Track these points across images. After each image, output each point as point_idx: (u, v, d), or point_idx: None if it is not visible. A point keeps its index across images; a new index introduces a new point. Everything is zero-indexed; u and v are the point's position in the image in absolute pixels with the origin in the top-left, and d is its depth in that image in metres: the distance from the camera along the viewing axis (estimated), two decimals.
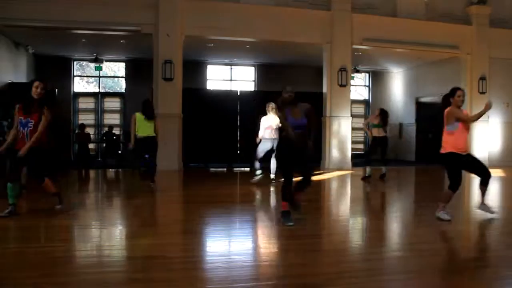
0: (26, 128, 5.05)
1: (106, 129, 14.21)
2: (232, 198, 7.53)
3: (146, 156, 7.70)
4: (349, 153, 12.48)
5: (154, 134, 7.52)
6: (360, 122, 17.24)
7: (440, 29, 12.92)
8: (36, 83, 5.10)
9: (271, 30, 11.72)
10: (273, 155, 8.21)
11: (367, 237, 4.86)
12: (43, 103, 5.13)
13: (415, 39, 12.56)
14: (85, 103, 15.39)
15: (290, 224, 4.74)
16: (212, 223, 5.40)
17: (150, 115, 7.47)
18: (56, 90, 13.46)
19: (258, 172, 8.55)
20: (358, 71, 16.28)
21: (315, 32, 12.17)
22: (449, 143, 5.19)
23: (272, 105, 8.06)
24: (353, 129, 13.23)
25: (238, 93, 13.57)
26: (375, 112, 9.68)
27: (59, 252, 3.79)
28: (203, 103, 12.51)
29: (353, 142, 13.33)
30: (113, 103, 15.60)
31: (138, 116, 7.46)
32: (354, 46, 12.46)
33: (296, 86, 16.50)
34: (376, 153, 9.42)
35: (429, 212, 5.69)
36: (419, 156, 15.66)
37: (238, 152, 13.16)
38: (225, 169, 12.34)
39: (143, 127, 7.46)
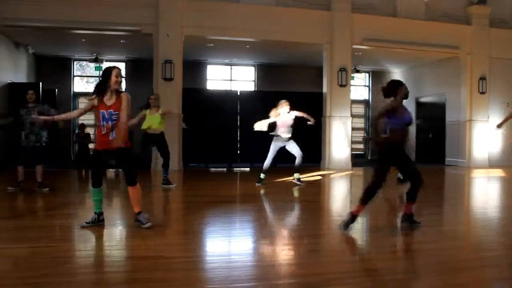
0: (110, 122, 4.55)
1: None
2: (232, 198, 7.53)
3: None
4: (349, 153, 12.48)
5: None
6: (360, 122, 17.28)
7: (440, 29, 12.91)
8: (116, 71, 4.58)
9: (271, 30, 11.72)
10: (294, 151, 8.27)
11: (367, 237, 4.86)
12: (120, 92, 4.62)
13: (415, 39, 12.55)
14: (85, 103, 15.35)
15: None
16: (212, 223, 5.40)
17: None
18: (56, 90, 13.49)
19: (263, 176, 8.34)
20: (358, 71, 16.28)
21: (315, 32, 12.17)
22: None
23: (284, 102, 8.27)
24: (353, 129, 13.23)
25: (238, 93, 13.57)
26: None
27: (59, 252, 3.79)
28: (203, 103, 12.50)
29: (353, 142, 13.33)
30: None
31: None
32: (354, 46, 12.46)
33: (296, 86, 16.59)
34: None
35: (429, 212, 5.69)
36: (419, 156, 15.66)
37: (238, 152, 13.16)
38: (225, 169, 12.34)
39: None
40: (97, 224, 4.70)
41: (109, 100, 4.59)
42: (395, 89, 4.77)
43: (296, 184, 8.29)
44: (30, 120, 6.96)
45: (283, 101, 8.33)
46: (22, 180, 7.27)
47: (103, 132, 4.57)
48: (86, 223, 4.68)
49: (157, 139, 8.05)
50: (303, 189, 8.21)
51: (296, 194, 7.79)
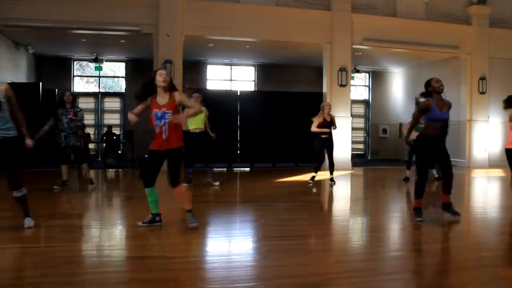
0: (163, 120, 4.51)
1: (106, 129, 14.20)
2: (232, 198, 7.53)
3: None
4: (349, 153, 12.48)
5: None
6: (360, 122, 17.27)
7: (440, 29, 12.92)
8: (160, 71, 4.59)
9: (271, 30, 11.72)
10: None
11: (367, 237, 4.86)
12: (173, 91, 4.60)
13: (415, 39, 12.56)
14: (85, 103, 15.38)
15: (420, 220, 5.07)
16: (212, 223, 5.40)
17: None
18: (56, 90, 13.49)
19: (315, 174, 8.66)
20: (358, 71, 16.28)
21: (315, 32, 12.17)
22: None
23: (328, 105, 8.60)
24: (353, 129, 13.22)
25: (238, 93, 13.57)
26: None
27: (59, 252, 3.79)
28: (203, 103, 12.48)
29: (353, 142, 13.33)
30: (113, 103, 15.60)
31: None
32: (354, 46, 12.46)
33: (296, 86, 16.55)
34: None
35: (429, 212, 5.69)
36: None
37: (238, 152, 13.16)
38: (225, 169, 12.33)
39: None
40: (154, 225, 4.71)
41: (161, 99, 4.59)
42: (426, 87, 5.23)
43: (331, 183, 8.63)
44: (67, 121, 7.21)
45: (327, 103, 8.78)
46: (67, 179, 7.49)
47: (157, 131, 4.58)
48: (143, 223, 4.69)
49: (199, 138, 8.03)
50: (303, 189, 8.22)
51: (296, 194, 7.79)
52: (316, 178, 8.66)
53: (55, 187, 7.39)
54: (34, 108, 10.90)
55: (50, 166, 10.27)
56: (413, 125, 5.55)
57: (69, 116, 7.25)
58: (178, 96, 4.63)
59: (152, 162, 4.68)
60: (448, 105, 5.20)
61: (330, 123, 8.47)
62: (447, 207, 5.27)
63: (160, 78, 4.54)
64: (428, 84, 5.20)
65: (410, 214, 6.28)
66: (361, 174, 11.75)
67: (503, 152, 6.47)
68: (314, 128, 8.34)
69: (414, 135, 8.39)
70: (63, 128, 7.26)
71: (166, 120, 4.52)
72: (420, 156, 5.27)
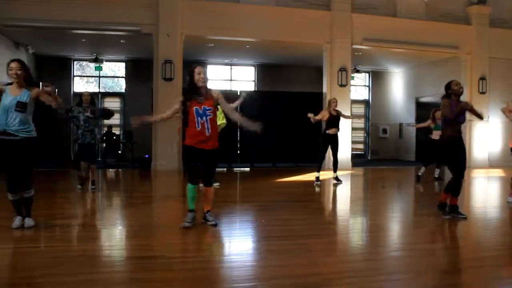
0: (205, 117, 4.55)
1: (106, 129, 14.19)
2: (232, 198, 7.53)
3: None
4: (349, 153, 12.48)
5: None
6: (360, 122, 17.27)
7: (440, 29, 12.92)
8: (198, 69, 4.66)
9: (271, 30, 11.73)
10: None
11: (367, 237, 4.86)
12: (207, 90, 4.67)
13: (415, 39, 12.56)
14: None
15: (464, 216, 5.23)
16: None
17: None
18: (56, 90, 13.49)
19: (318, 174, 8.67)
20: (358, 71, 16.28)
21: (315, 32, 12.17)
22: None
23: (335, 101, 8.52)
24: (353, 129, 13.22)
25: (238, 93, 13.56)
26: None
27: (59, 252, 3.79)
28: None
29: (353, 142, 13.33)
30: (113, 103, 15.59)
31: None
32: (354, 46, 12.46)
33: (296, 86, 16.51)
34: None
35: (429, 212, 5.69)
36: (419, 156, 15.66)
37: (238, 152, 13.16)
38: (225, 169, 12.33)
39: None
40: (193, 223, 4.72)
41: (199, 97, 4.61)
42: (446, 90, 5.30)
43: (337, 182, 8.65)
44: (84, 119, 7.40)
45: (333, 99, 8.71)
46: (84, 174, 7.70)
47: (198, 128, 4.57)
48: (187, 222, 4.66)
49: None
50: (303, 189, 8.21)
51: (296, 194, 7.79)
52: (313, 178, 8.67)
53: (78, 186, 7.60)
54: (34, 109, 10.89)
55: (49, 166, 10.27)
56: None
57: (86, 114, 7.43)
58: (215, 93, 4.70)
59: (196, 160, 4.70)
60: (465, 108, 5.29)
61: (336, 120, 8.44)
62: (454, 209, 5.33)
63: (200, 77, 4.60)
64: (448, 86, 5.31)
65: (410, 214, 6.29)
66: (361, 174, 11.75)
67: (503, 152, 6.51)
68: (315, 118, 8.37)
69: (435, 135, 8.46)
70: (79, 125, 7.47)
71: (208, 117, 4.56)
72: (445, 158, 5.40)
